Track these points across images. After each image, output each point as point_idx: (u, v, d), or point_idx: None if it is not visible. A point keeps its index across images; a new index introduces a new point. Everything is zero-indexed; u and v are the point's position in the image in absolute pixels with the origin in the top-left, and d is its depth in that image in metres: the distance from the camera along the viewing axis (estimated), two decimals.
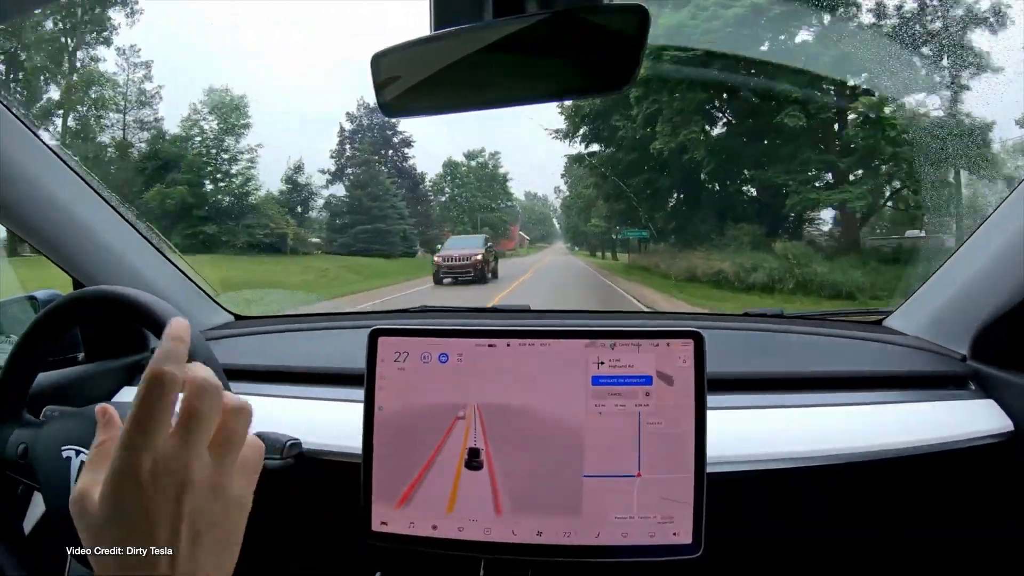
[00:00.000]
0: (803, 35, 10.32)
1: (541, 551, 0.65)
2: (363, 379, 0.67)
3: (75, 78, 15.19)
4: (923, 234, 9.23)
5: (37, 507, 0.85)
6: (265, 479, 0.44)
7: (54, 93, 14.99)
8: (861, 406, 0.80)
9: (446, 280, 10.48)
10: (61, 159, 0.88)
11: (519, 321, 1.15)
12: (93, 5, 15.12)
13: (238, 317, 1.27)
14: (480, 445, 0.65)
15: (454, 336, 0.67)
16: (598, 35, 0.50)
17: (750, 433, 0.76)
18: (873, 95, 8.97)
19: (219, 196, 16.19)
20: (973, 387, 0.83)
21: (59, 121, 15.06)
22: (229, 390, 0.61)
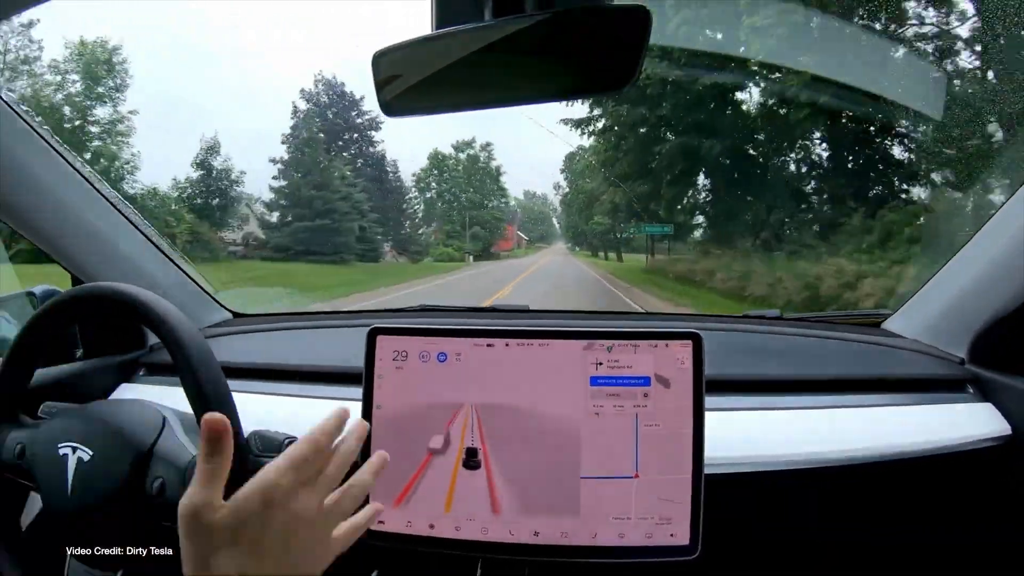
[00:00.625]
0: None
1: (538, 551, 0.65)
2: (361, 378, 0.67)
3: None
4: None
5: (34, 504, 0.85)
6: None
7: None
8: (859, 408, 0.80)
9: None
10: (60, 155, 0.88)
11: (518, 321, 1.15)
12: None
13: (236, 315, 1.26)
14: (478, 445, 0.65)
15: (453, 335, 0.67)
16: (599, 35, 0.50)
17: (748, 435, 0.76)
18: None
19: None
20: (971, 390, 0.83)
21: None
22: (229, 389, 0.61)
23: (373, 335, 0.68)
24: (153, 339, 1.07)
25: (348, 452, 0.54)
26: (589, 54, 0.51)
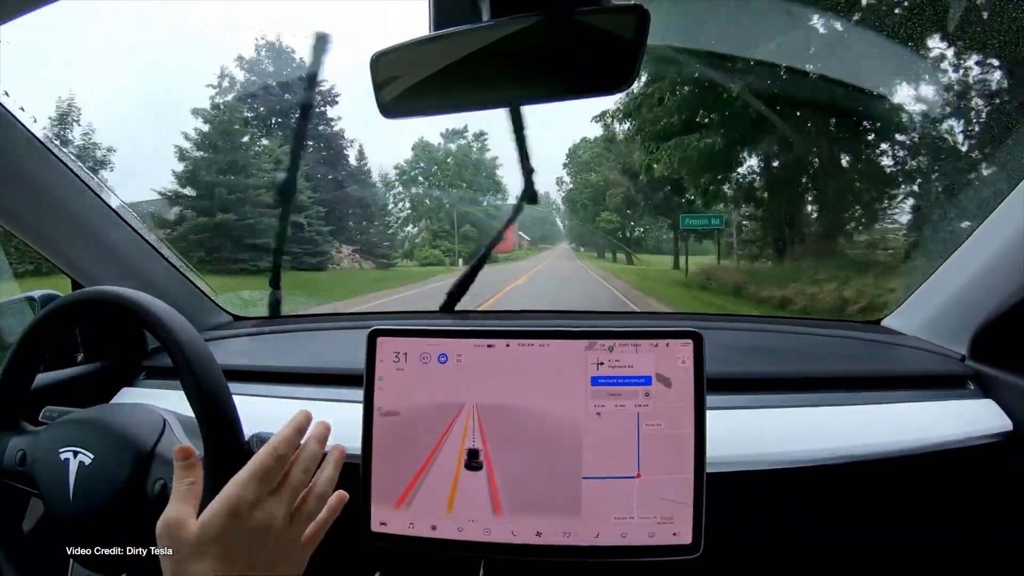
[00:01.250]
0: None
1: (541, 552, 0.65)
2: (362, 380, 0.67)
3: None
4: None
5: (34, 508, 0.85)
6: None
7: None
8: (860, 406, 0.80)
9: None
10: (59, 159, 0.87)
11: (518, 321, 1.15)
12: None
13: (236, 318, 1.26)
14: (479, 446, 0.65)
15: (453, 336, 0.67)
16: (597, 35, 0.50)
17: (749, 433, 0.76)
18: None
19: None
20: (972, 387, 0.83)
21: None
22: (229, 392, 0.61)
23: (373, 337, 0.68)
24: (153, 343, 1.07)
25: (311, 456, 0.56)
26: (587, 54, 0.51)
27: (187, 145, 12.49)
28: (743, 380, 0.85)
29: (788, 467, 0.73)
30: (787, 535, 0.79)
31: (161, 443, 0.66)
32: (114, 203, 0.98)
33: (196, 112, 12.94)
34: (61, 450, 0.65)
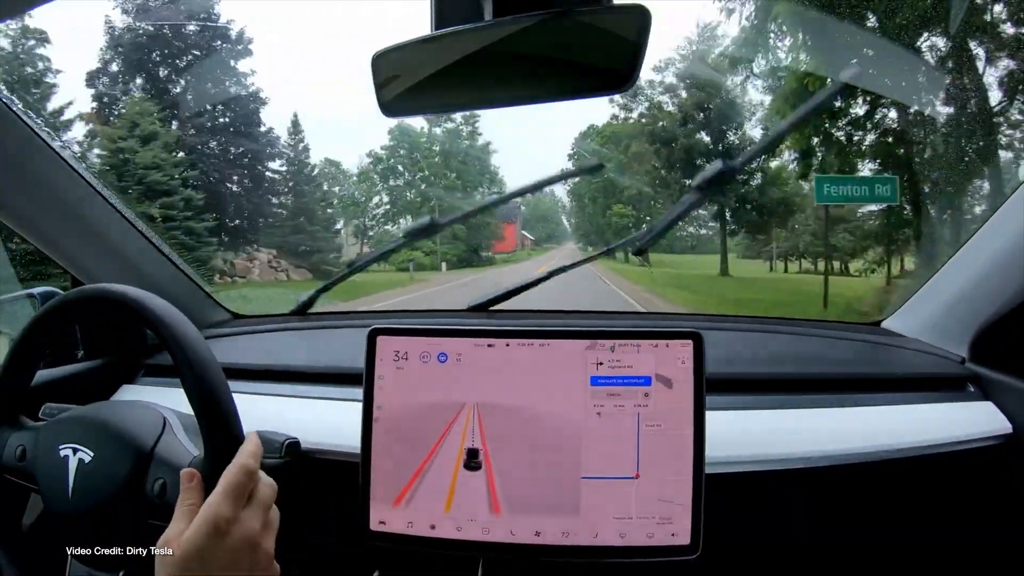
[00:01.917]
0: None
1: (539, 551, 0.65)
2: (362, 378, 0.67)
3: None
4: None
5: (36, 504, 0.85)
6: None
7: None
8: (859, 408, 0.80)
9: None
10: (60, 156, 0.88)
11: (518, 321, 1.15)
12: None
13: (236, 316, 1.26)
14: (478, 445, 0.65)
15: (453, 336, 0.67)
16: (599, 35, 0.50)
17: (748, 434, 0.76)
18: None
19: None
20: (972, 389, 0.83)
21: None
22: (229, 390, 0.61)
23: (373, 336, 0.68)
24: (153, 340, 1.07)
25: (269, 478, 0.59)
26: (589, 54, 0.51)
27: None
28: (743, 381, 0.85)
29: (787, 468, 0.73)
30: (786, 536, 0.79)
31: (161, 443, 0.66)
32: (114, 200, 0.98)
33: None
34: (61, 447, 0.65)
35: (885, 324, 1.04)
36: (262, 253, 12.19)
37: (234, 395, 0.63)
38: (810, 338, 1.02)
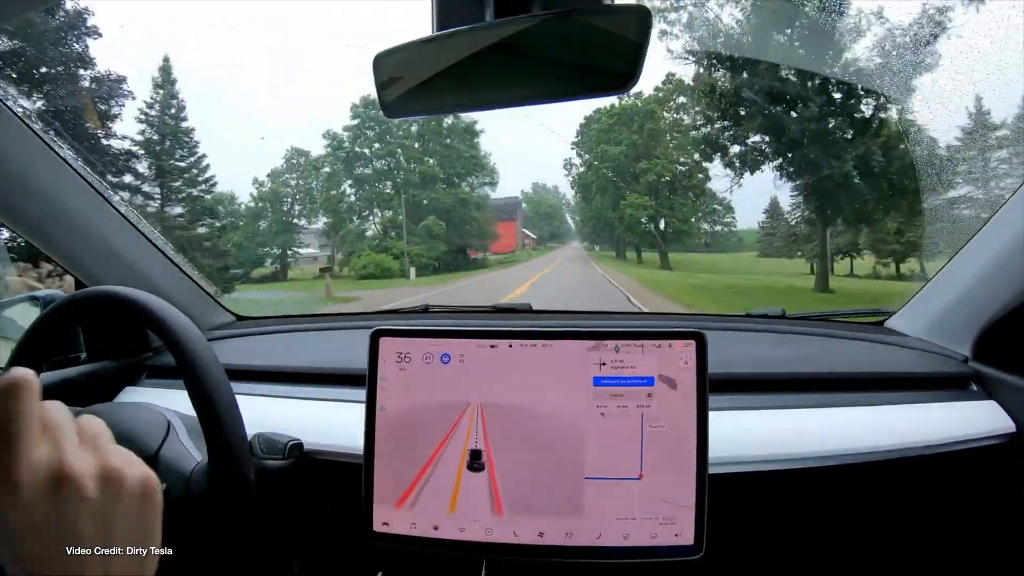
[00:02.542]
0: None
1: (543, 552, 0.65)
2: (365, 379, 0.67)
3: None
4: None
5: None
6: (266, 479, 0.45)
7: None
8: (863, 407, 0.80)
9: None
10: (63, 160, 0.88)
11: (521, 322, 1.15)
12: None
13: (240, 317, 1.27)
14: (481, 446, 0.65)
15: (456, 337, 0.67)
16: (600, 36, 0.49)
17: (752, 434, 0.76)
18: None
19: None
20: (975, 388, 0.83)
21: None
22: (232, 392, 0.61)
23: (376, 337, 0.68)
24: (156, 342, 1.07)
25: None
26: (590, 54, 0.51)
27: None
28: (746, 381, 0.85)
29: (791, 468, 0.73)
30: (789, 536, 0.79)
31: (165, 447, 0.66)
32: (118, 203, 0.98)
33: None
34: None
35: (888, 323, 1.04)
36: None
37: (237, 396, 0.63)
38: (814, 338, 1.02)
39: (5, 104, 0.79)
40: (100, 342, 1.02)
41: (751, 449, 0.74)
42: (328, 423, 0.81)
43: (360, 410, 0.67)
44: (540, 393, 0.65)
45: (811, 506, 0.77)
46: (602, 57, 0.50)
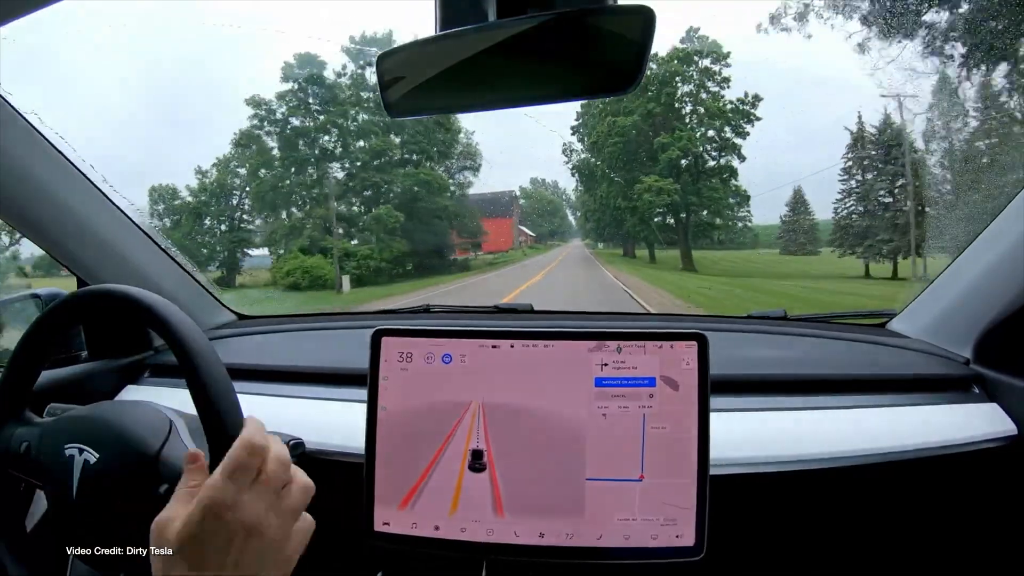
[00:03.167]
0: None
1: (543, 552, 0.65)
2: (366, 379, 0.67)
3: None
4: None
5: (38, 504, 0.85)
6: None
7: None
8: (864, 409, 0.80)
9: None
10: (66, 158, 0.88)
11: (523, 322, 1.15)
12: None
13: (241, 317, 1.27)
14: (483, 447, 0.65)
15: (458, 337, 0.67)
16: (603, 36, 0.49)
17: (753, 436, 0.76)
18: None
19: None
20: (977, 390, 0.83)
21: None
22: (234, 391, 0.61)
23: (378, 336, 0.68)
24: (158, 341, 1.07)
25: (283, 449, 0.53)
26: (594, 54, 0.51)
27: None
28: (747, 382, 0.85)
29: (792, 470, 0.73)
30: (790, 538, 0.79)
31: (167, 447, 0.66)
32: (119, 202, 0.99)
33: None
34: (66, 446, 0.65)
35: (890, 325, 1.04)
36: None
37: (238, 396, 0.63)
38: (815, 339, 1.02)
39: (7, 102, 0.79)
40: (101, 340, 1.02)
41: (752, 451, 0.74)
42: (329, 423, 0.81)
43: (361, 410, 0.67)
44: (542, 393, 0.65)
45: (812, 508, 0.77)
46: (606, 57, 0.50)
